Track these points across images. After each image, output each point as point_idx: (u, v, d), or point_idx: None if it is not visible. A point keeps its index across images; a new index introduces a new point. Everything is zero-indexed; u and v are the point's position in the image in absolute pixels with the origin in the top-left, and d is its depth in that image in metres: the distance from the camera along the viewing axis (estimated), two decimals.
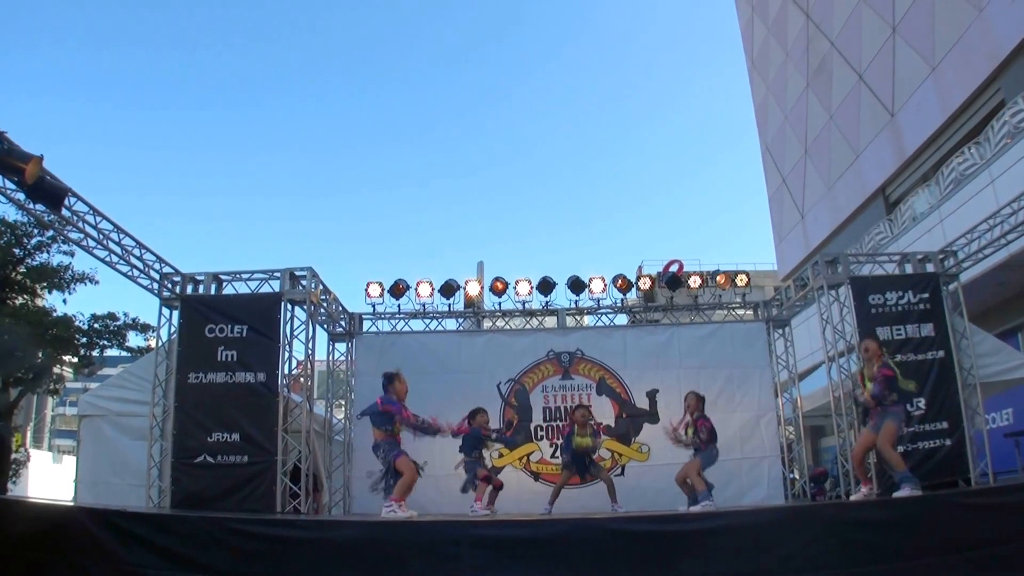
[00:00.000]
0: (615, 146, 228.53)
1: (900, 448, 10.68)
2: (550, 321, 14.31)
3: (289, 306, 11.58)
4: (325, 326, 13.49)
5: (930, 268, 12.20)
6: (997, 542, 6.88)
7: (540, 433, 13.43)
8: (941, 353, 11.55)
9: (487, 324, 14.50)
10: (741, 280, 13.74)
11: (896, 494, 8.47)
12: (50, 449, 46.63)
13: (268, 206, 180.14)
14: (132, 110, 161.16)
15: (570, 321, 14.25)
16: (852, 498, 9.46)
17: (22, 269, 20.23)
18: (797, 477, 14.32)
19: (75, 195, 9.63)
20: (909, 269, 12.33)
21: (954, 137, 18.93)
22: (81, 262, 21.10)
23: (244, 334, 11.25)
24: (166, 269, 11.60)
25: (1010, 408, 15.93)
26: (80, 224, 10.00)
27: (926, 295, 11.74)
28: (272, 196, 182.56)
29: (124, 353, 22.98)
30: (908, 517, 7.00)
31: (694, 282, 13.83)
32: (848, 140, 24.53)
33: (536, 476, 13.18)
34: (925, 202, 18.71)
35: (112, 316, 21.52)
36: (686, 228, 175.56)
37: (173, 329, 11.66)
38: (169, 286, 11.66)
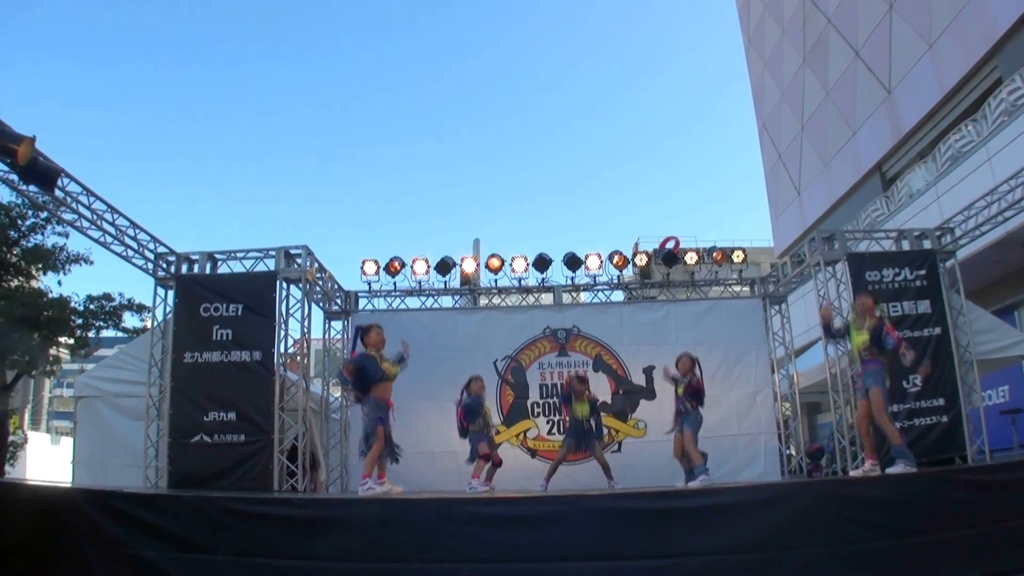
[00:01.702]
0: (613, 124, 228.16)
1: (896, 425, 10.74)
2: (546, 298, 14.30)
3: (284, 284, 11.55)
4: (321, 304, 13.48)
5: (927, 245, 12.17)
6: (993, 520, 6.89)
7: (536, 410, 13.44)
8: (938, 330, 11.54)
9: (483, 301, 14.47)
10: (738, 256, 13.73)
11: (890, 470, 8.47)
12: (48, 431, 46.63)
13: (263, 182, 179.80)
14: (116, 72, 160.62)
15: (566, 298, 14.21)
16: (853, 473, 9.45)
17: (16, 251, 20.12)
18: (793, 453, 14.35)
19: (68, 176, 9.55)
20: (906, 246, 12.31)
21: (951, 114, 18.88)
22: (76, 243, 21.02)
23: (239, 313, 11.22)
24: (160, 249, 11.54)
25: (1006, 385, 15.96)
26: (74, 205, 9.92)
27: (923, 272, 11.72)
28: (267, 170, 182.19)
29: (120, 334, 22.90)
30: (904, 494, 7.00)
31: (690, 258, 13.81)
32: (844, 117, 24.46)
33: (533, 453, 13.19)
34: (922, 179, 18.69)
35: (107, 297, 21.40)
36: (683, 205, 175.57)
37: (168, 309, 11.62)
38: (164, 266, 11.61)
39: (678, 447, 10.32)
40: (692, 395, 10.21)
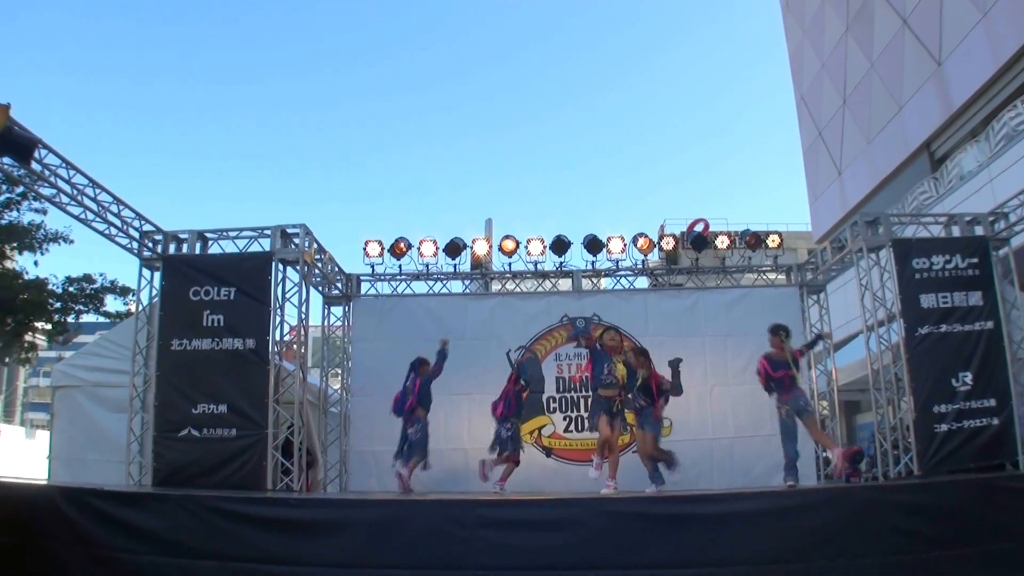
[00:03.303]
0: (638, 96, 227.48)
1: (944, 427, 10.72)
2: (564, 284, 14.26)
3: (281, 266, 11.50)
4: (320, 288, 13.47)
5: (979, 231, 12.02)
6: None
7: (553, 405, 13.40)
8: (990, 324, 11.39)
9: (496, 286, 14.45)
10: (773, 241, 13.65)
11: None
12: (22, 423, 46.92)
13: (259, 159, 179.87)
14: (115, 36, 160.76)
15: (586, 284, 14.17)
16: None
17: None
18: (831, 456, 14.30)
19: (46, 147, 9.52)
20: (956, 232, 12.15)
21: (1006, 90, 18.66)
22: (54, 220, 21.04)
23: (232, 297, 11.18)
24: (146, 227, 11.52)
25: None
26: (52, 178, 9.88)
27: (975, 260, 11.54)
28: (264, 148, 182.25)
29: (101, 319, 22.98)
30: (951, 502, 6.98)
31: (721, 242, 13.74)
32: (890, 90, 24.26)
33: (548, 451, 13.17)
34: (973, 159, 18.53)
35: (88, 278, 21.45)
36: (713, 185, 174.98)
37: (154, 292, 11.62)
38: (150, 245, 11.60)
39: (641, 449, 10.13)
40: (643, 391, 10.11)
